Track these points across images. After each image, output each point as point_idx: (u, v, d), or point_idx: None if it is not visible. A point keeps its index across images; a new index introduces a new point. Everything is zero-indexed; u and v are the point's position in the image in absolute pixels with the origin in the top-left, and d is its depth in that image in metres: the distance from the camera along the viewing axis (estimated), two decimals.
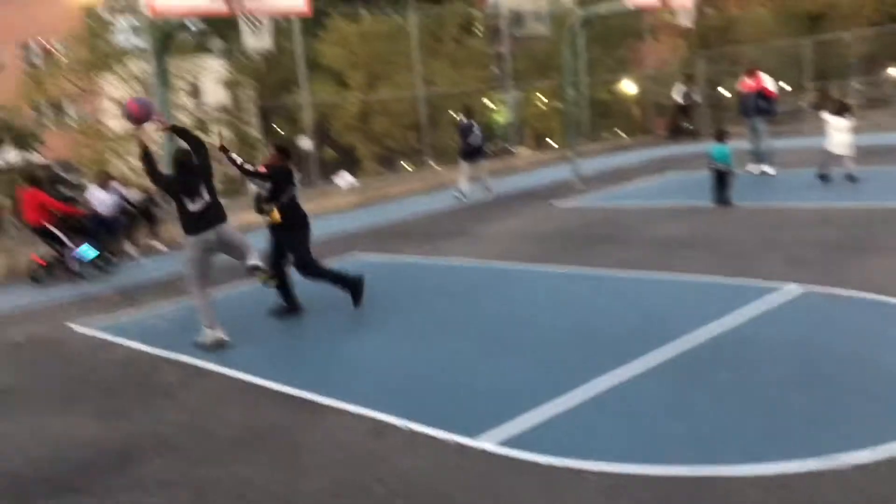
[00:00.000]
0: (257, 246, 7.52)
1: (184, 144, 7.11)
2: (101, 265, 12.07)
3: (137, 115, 6.83)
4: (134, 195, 13.75)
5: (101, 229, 12.38)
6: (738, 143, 13.55)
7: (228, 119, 24.90)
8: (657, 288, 7.77)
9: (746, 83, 14.66)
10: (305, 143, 20.41)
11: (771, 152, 14.57)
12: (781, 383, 5.05)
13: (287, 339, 7.45)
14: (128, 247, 13.35)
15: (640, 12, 22.74)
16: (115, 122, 22.39)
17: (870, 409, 4.56)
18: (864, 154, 13.10)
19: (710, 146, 12.27)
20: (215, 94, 29.95)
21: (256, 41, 9.40)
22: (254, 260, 7.05)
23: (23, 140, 24.66)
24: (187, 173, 6.95)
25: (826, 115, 12.69)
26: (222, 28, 29.88)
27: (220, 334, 7.10)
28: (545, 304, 7.58)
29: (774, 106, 14.69)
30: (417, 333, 7.08)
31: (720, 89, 25.60)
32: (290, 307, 8.04)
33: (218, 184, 7.63)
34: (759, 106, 14.38)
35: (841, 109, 12.64)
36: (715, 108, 26.57)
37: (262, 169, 7.70)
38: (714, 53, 26.84)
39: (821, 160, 12.65)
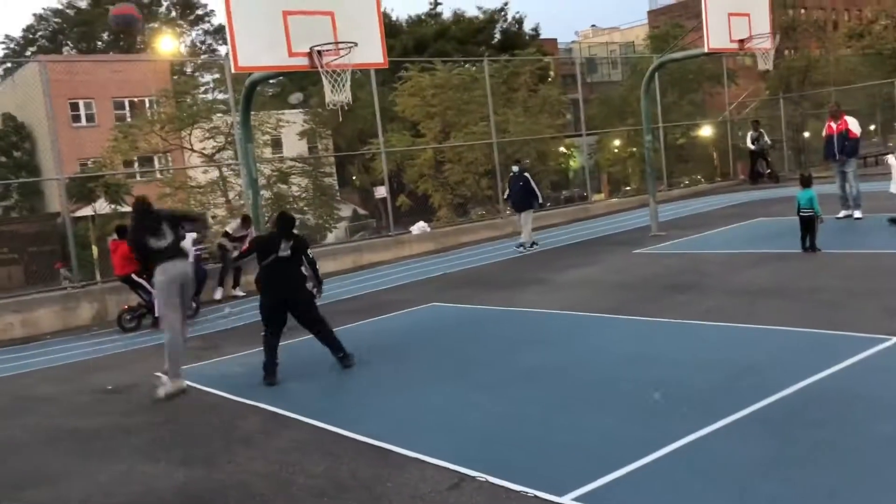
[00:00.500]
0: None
1: None
2: (187, 312, 12.38)
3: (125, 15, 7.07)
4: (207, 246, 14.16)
5: None
6: (825, 188, 13.14)
7: (307, 170, 25.49)
8: (745, 340, 7.50)
9: (831, 126, 14.26)
10: (381, 191, 20.73)
11: (859, 196, 14.05)
12: (888, 443, 4.76)
13: (366, 388, 7.45)
14: (216, 293, 13.71)
15: (718, 56, 22.47)
16: (200, 175, 23.22)
17: None
18: None
19: (796, 191, 11.91)
20: (295, 145, 30.87)
21: (337, 95, 9.63)
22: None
23: (114, 192, 25.83)
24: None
25: (892, 160, 12.36)
26: (299, 80, 30.92)
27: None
28: (627, 356, 7.39)
29: (857, 148, 14.24)
30: (496, 384, 6.98)
31: (805, 134, 24.99)
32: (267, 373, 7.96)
33: None
34: (844, 148, 13.95)
35: None
36: (798, 152, 25.95)
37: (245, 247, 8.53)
38: (795, 96, 26.27)
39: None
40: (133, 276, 11.99)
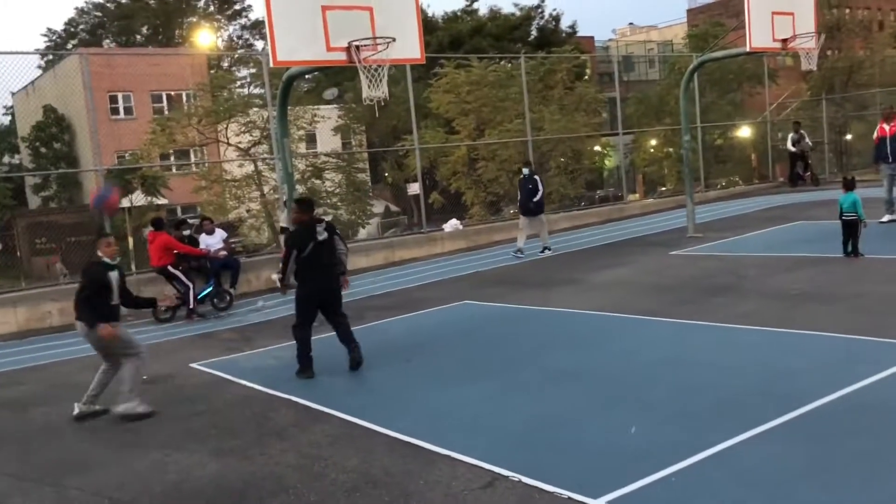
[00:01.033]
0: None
1: None
2: (220, 305, 12.51)
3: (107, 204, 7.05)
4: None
5: (219, 270, 12.86)
6: (867, 192, 12.86)
7: (340, 165, 25.58)
8: (783, 345, 7.36)
9: (883, 128, 13.93)
10: (414, 188, 20.72)
11: None
12: None
13: (399, 385, 7.44)
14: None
15: (759, 55, 22.11)
16: (236, 169, 23.42)
17: None
18: None
19: (837, 195, 11.67)
20: (328, 141, 31.00)
21: (374, 90, 9.63)
22: None
23: (150, 185, 26.17)
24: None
25: None
26: (334, 75, 31.02)
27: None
28: (662, 359, 7.29)
29: None
30: (530, 384, 6.93)
31: (847, 136, 24.51)
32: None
33: None
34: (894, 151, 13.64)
35: None
36: (839, 155, 25.45)
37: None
38: (838, 97, 25.78)
39: None
40: (169, 267, 12.12)
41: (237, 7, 53.88)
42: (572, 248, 15.53)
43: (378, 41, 9.59)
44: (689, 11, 59.39)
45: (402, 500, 4.79)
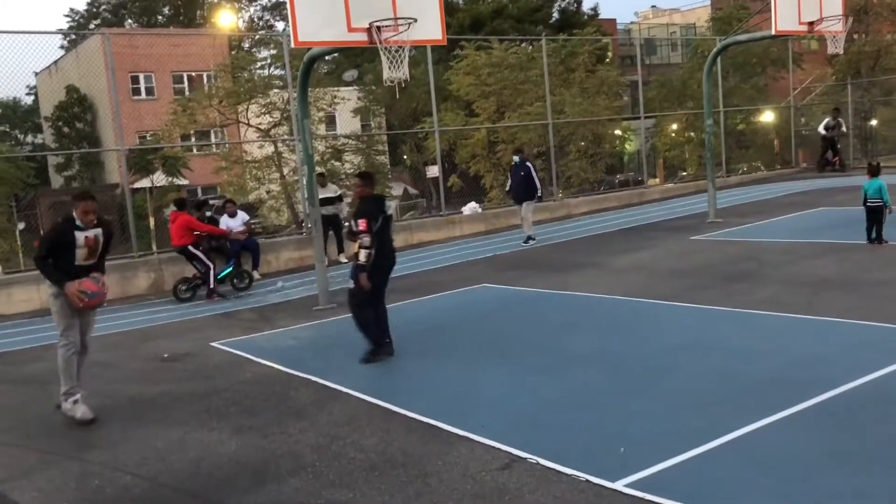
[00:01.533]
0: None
1: None
2: (239, 285, 12.59)
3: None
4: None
5: (239, 251, 12.94)
6: (893, 178, 12.68)
7: (360, 147, 25.56)
8: (804, 331, 7.31)
9: None
10: (433, 171, 20.69)
11: None
12: None
13: (417, 366, 7.47)
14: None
15: (783, 39, 21.78)
16: (256, 150, 23.48)
17: None
18: None
19: (861, 181, 11.52)
20: (348, 122, 30.97)
21: (395, 72, 9.59)
22: None
23: (172, 165, 26.30)
24: None
25: None
26: (354, 57, 30.94)
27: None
28: (682, 344, 7.26)
29: None
30: (548, 367, 6.92)
31: (873, 122, 24.11)
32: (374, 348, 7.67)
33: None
34: None
35: None
36: (864, 140, 25.07)
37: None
38: (864, 82, 25.36)
39: None
40: (190, 247, 12.20)
41: None
42: (592, 232, 15.46)
43: (399, 21, 9.53)
44: None
45: (421, 479, 4.81)
